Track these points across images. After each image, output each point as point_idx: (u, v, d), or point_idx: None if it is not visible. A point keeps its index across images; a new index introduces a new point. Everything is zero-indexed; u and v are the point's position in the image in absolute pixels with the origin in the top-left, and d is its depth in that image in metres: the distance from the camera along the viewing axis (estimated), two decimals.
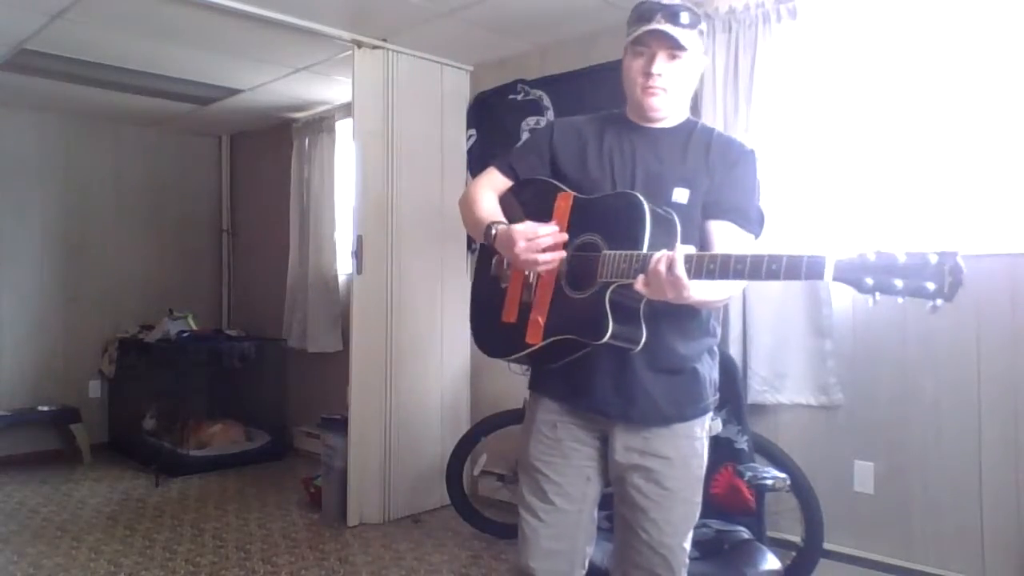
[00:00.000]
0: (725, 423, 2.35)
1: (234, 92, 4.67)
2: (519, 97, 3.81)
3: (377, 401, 3.73)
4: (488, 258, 1.70)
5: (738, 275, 1.21)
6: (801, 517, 2.68)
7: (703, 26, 1.57)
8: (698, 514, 1.64)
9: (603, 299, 1.40)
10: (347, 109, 4.08)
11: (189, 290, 5.76)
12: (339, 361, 4.48)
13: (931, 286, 1.08)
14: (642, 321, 1.43)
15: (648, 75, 1.53)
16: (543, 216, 1.55)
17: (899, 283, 1.10)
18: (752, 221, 1.56)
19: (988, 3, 2.56)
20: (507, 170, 1.71)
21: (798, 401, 2.87)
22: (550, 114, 3.61)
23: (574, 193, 1.56)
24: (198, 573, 3.12)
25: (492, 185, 1.71)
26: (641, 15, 1.53)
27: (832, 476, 2.82)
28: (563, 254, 1.49)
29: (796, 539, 2.73)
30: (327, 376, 4.88)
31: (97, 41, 3.75)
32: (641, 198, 1.42)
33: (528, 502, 1.64)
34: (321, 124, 4.98)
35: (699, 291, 1.29)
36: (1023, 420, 2.46)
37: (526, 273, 1.58)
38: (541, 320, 1.51)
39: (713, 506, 2.29)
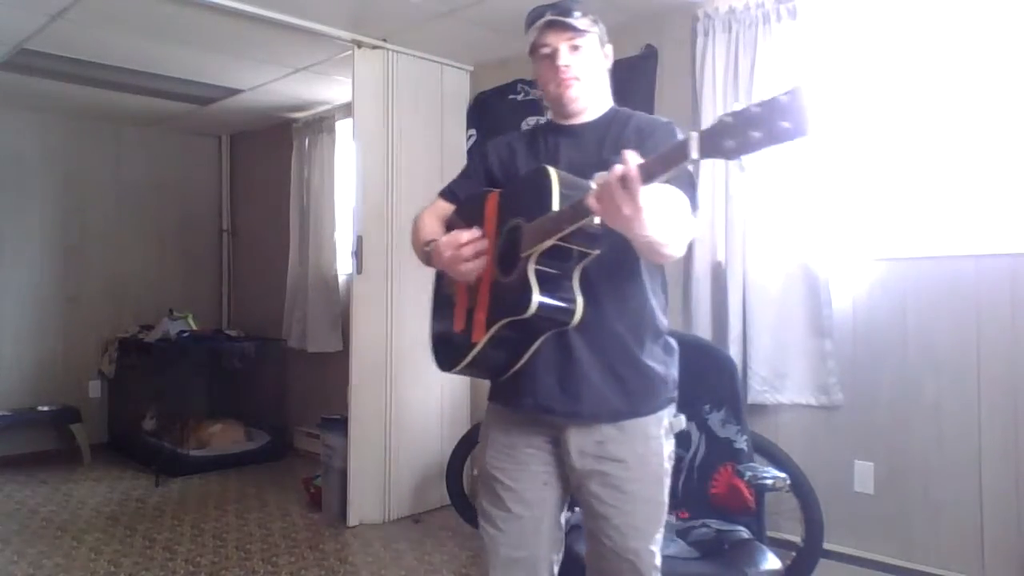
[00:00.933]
0: (724, 423, 2.35)
1: (234, 92, 4.67)
2: (519, 97, 3.81)
3: (377, 401, 3.72)
4: (441, 277, 1.71)
5: (666, 166, 1.15)
6: (801, 517, 2.68)
7: (594, 17, 1.60)
8: (664, 514, 1.59)
9: (525, 271, 1.40)
10: (347, 109, 4.08)
11: (189, 290, 5.76)
12: (339, 361, 4.48)
13: (787, 125, 1.00)
14: (574, 287, 1.41)
15: (557, 68, 1.56)
16: (478, 222, 1.57)
17: (756, 134, 1.02)
18: (685, 184, 1.47)
19: (988, 3, 2.56)
20: (448, 195, 1.76)
21: (798, 401, 2.87)
22: (550, 114, 3.61)
23: (498, 190, 1.60)
24: (198, 573, 3.12)
25: (436, 213, 1.75)
26: (533, 20, 1.59)
27: (832, 476, 2.82)
28: (484, 258, 1.50)
29: (796, 539, 2.73)
30: (327, 376, 4.88)
31: (97, 41, 3.75)
32: (545, 165, 1.45)
33: (486, 511, 1.62)
34: (321, 124, 4.98)
35: (651, 213, 1.20)
36: (1023, 421, 2.46)
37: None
38: (483, 316, 1.50)
39: (713, 506, 2.29)
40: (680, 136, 1.51)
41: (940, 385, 2.62)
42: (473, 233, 1.51)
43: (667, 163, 1.15)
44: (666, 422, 1.60)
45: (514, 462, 1.61)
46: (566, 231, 1.33)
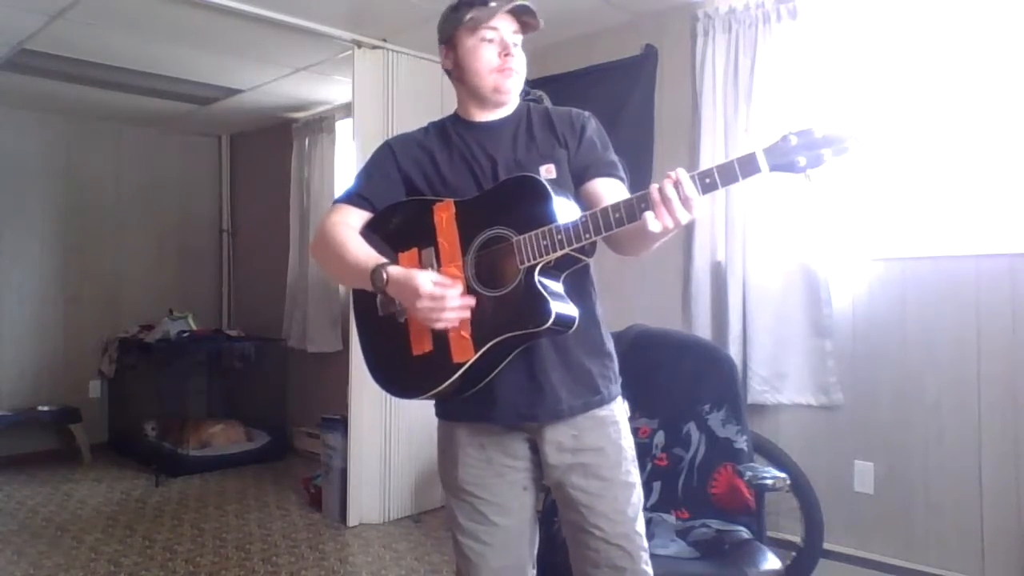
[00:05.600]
0: (724, 423, 2.35)
1: (234, 92, 4.67)
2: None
3: (377, 401, 3.72)
4: (368, 300, 1.55)
5: (726, 181, 1.26)
6: (801, 517, 2.68)
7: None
8: (641, 494, 1.60)
9: (532, 283, 1.36)
10: (347, 109, 4.08)
11: (189, 290, 5.76)
12: (339, 361, 4.48)
13: (850, 144, 1.22)
14: (565, 293, 1.41)
15: (504, 57, 1.52)
16: (423, 237, 1.48)
17: (827, 153, 1.22)
18: (620, 170, 1.58)
19: (988, 3, 2.56)
20: (360, 202, 1.57)
21: (798, 401, 2.87)
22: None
23: (453, 199, 1.48)
24: (198, 573, 3.12)
25: (349, 223, 1.55)
26: (470, 1, 1.52)
27: (832, 476, 2.82)
28: (467, 313, 1.40)
29: (796, 539, 2.73)
30: (327, 376, 4.88)
31: (97, 41, 3.75)
32: (533, 175, 1.42)
33: (467, 528, 1.58)
34: (321, 124, 4.98)
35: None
36: (1023, 420, 2.46)
37: None
38: (466, 333, 1.41)
39: (713, 506, 2.29)
40: (593, 124, 1.60)
41: (940, 385, 2.62)
42: (458, 288, 1.39)
43: (730, 178, 1.25)
44: (624, 405, 1.63)
45: (493, 474, 1.58)
46: (586, 242, 1.33)
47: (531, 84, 3.78)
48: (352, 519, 3.67)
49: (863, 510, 2.78)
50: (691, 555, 2.17)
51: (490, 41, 1.52)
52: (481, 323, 1.41)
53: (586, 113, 1.62)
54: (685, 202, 1.27)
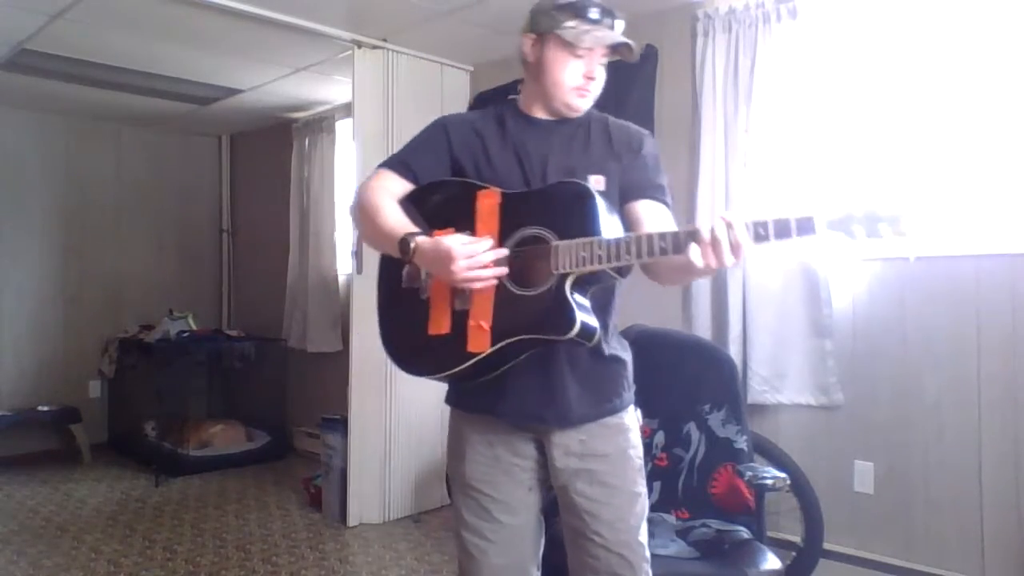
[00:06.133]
0: (724, 423, 2.35)
1: (234, 92, 4.67)
2: (519, 97, 3.80)
3: (377, 401, 3.72)
4: (394, 268, 1.55)
5: (780, 235, 1.25)
6: (801, 517, 2.68)
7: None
8: (647, 505, 1.59)
9: (563, 291, 1.35)
10: (347, 109, 4.08)
11: (189, 290, 5.76)
12: (339, 361, 4.48)
13: (905, 224, 1.21)
14: (593, 311, 1.41)
15: (589, 79, 1.51)
16: (462, 220, 1.46)
17: (885, 228, 1.22)
18: (668, 195, 1.58)
19: (988, 3, 2.56)
20: (404, 171, 1.56)
21: (798, 401, 2.87)
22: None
23: (500, 189, 1.47)
24: (198, 573, 3.12)
25: (389, 189, 1.55)
26: (579, 12, 1.48)
27: (832, 476, 2.82)
28: (506, 269, 1.40)
29: (796, 539, 2.73)
30: (327, 376, 4.87)
31: (97, 41, 3.75)
32: (585, 184, 1.41)
33: (471, 524, 1.59)
34: (321, 124, 4.98)
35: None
36: (1023, 420, 2.46)
37: None
38: (486, 325, 1.40)
39: (713, 506, 2.29)
40: (650, 144, 1.60)
41: (940, 385, 2.62)
42: (488, 242, 1.40)
43: (783, 233, 1.24)
44: (636, 413, 1.63)
45: (500, 472, 1.58)
46: (625, 263, 1.32)
47: None
48: (352, 519, 3.67)
49: (863, 510, 2.78)
50: (691, 555, 2.17)
51: (579, 58, 1.50)
52: (502, 318, 1.40)
53: (646, 132, 1.62)
54: (735, 247, 1.25)
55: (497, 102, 1.67)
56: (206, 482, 4.51)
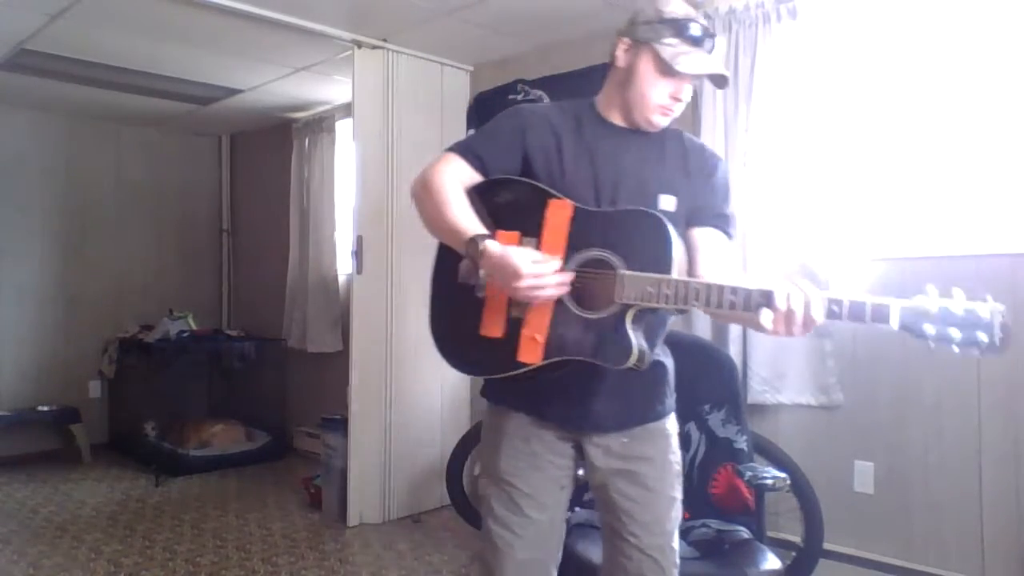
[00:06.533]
0: (724, 423, 2.35)
1: (234, 92, 4.67)
2: (519, 97, 3.81)
3: (377, 401, 3.73)
4: (451, 260, 1.52)
5: (854, 318, 1.21)
6: (801, 517, 2.68)
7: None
8: (681, 511, 1.61)
9: (623, 322, 1.35)
10: (347, 109, 4.08)
11: (189, 290, 5.75)
12: (339, 361, 4.48)
13: (984, 338, 1.16)
14: (647, 340, 1.40)
15: (671, 99, 1.49)
16: (530, 226, 1.44)
17: (955, 333, 1.17)
18: (732, 226, 1.57)
19: (988, 3, 2.56)
20: (475, 161, 1.53)
21: (798, 401, 2.86)
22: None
23: (573, 203, 1.44)
24: (198, 573, 3.12)
25: (459, 177, 1.51)
26: (681, 30, 1.46)
27: (832, 476, 2.82)
28: (568, 288, 1.38)
29: (796, 539, 2.73)
30: (327, 376, 4.88)
31: (97, 41, 3.75)
32: (662, 218, 1.38)
33: (500, 516, 1.59)
34: (321, 124, 4.98)
35: None
36: (1023, 420, 2.46)
37: None
38: (540, 339, 1.39)
39: (713, 506, 2.30)
40: (722, 170, 1.58)
41: (940, 385, 2.62)
42: (555, 264, 1.36)
43: (858, 316, 1.20)
44: (675, 419, 1.64)
45: (533, 468, 1.58)
46: (689, 307, 1.32)
47: (531, 84, 3.79)
48: (352, 519, 3.67)
49: (863, 510, 2.77)
50: (691, 555, 2.17)
51: (670, 79, 1.47)
52: (557, 335, 1.39)
53: (719, 156, 1.62)
54: (807, 322, 1.22)
55: (574, 98, 1.62)
56: (206, 482, 4.51)
